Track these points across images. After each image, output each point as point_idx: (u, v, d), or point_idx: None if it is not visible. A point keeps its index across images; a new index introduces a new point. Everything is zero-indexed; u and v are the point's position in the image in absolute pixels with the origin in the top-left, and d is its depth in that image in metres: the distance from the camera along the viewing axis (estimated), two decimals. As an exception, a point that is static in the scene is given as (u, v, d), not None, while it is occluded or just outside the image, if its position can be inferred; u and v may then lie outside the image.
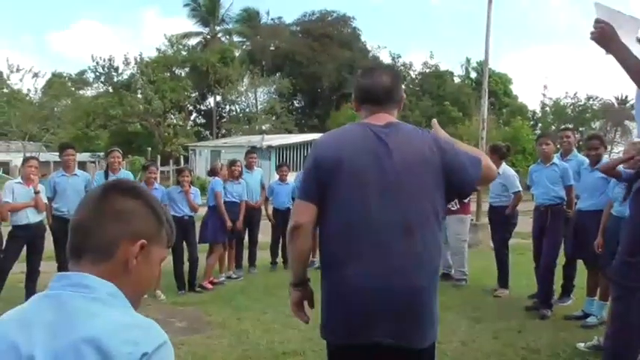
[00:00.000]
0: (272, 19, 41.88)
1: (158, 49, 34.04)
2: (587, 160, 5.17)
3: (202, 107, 38.91)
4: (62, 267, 5.04)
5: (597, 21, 2.39)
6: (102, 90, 32.29)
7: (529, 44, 71.09)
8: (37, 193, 5.35)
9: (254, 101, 35.69)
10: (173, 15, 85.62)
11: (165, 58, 32.80)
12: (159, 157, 24.78)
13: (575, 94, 33.75)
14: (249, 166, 7.59)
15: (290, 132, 31.50)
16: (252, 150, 8.67)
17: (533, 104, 52.34)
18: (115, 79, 31.41)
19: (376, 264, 1.84)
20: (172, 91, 30.08)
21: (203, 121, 38.39)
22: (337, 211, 1.90)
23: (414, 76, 38.17)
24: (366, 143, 1.91)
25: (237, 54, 36.82)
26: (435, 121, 2.21)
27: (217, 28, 39.84)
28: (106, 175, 6.04)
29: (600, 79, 69.48)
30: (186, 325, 4.92)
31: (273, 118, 34.13)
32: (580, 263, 5.41)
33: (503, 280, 6.13)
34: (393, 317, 1.84)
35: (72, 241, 1.05)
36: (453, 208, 6.46)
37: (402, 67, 36.85)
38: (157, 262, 1.11)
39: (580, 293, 5.46)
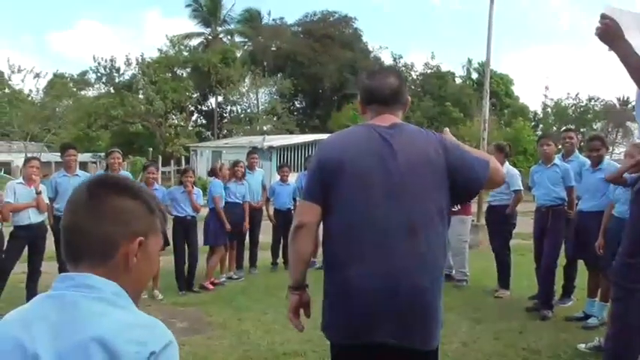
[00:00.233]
0: (273, 20, 42.00)
1: (160, 50, 34.11)
2: (588, 161, 5.16)
3: (204, 108, 38.94)
4: (63, 267, 5.02)
5: (603, 16, 2.37)
6: (103, 90, 32.37)
7: (530, 44, 71.13)
8: (38, 193, 5.36)
9: (255, 102, 35.73)
10: (174, 16, 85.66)
11: (167, 59, 32.82)
12: (160, 157, 24.79)
13: (576, 95, 33.78)
14: (251, 167, 7.60)
15: (291, 133, 31.51)
16: (254, 150, 8.68)
17: (534, 105, 52.44)
18: (117, 80, 31.48)
19: (379, 265, 1.84)
20: (174, 91, 30.10)
21: (204, 121, 38.41)
22: (340, 212, 1.91)
23: (415, 77, 38.15)
24: (370, 145, 1.92)
25: (238, 54, 36.86)
26: (447, 129, 2.21)
27: (219, 28, 39.88)
28: (107, 176, 6.02)
29: (602, 80, 69.44)
30: (187, 326, 4.92)
31: (275, 118, 34.15)
32: (581, 264, 5.41)
33: (504, 281, 6.12)
34: (396, 318, 1.84)
35: (68, 245, 1.04)
36: (454, 209, 6.44)
37: (404, 68, 36.83)
38: (156, 254, 1.11)
39: (581, 294, 5.46)
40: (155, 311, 5.02)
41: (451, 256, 6.70)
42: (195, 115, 38.71)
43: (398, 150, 1.89)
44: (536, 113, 37.46)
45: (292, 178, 8.25)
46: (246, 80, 34.65)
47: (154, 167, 6.57)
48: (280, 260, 7.63)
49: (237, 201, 6.96)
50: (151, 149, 26.68)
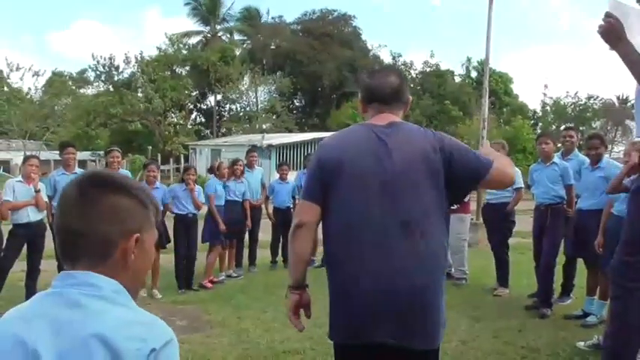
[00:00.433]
0: (272, 18, 41.97)
1: (159, 48, 34.10)
2: (587, 160, 5.16)
3: (203, 106, 38.94)
4: (63, 266, 5.04)
5: (607, 15, 2.36)
6: (102, 89, 32.35)
7: (529, 44, 71.16)
8: (37, 191, 5.36)
9: (254, 100, 35.68)
10: (173, 15, 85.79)
11: (166, 57, 32.79)
12: (159, 155, 24.77)
13: (575, 94, 33.72)
14: (250, 165, 7.59)
15: (290, 131, 31.51)
16: (253, 149, 8.67)
17: (533, 103, 52.53)
18: (116, 78, 31.49)
19: (378, 265, 1.84)
20: (173, 89, 30.09)
21: (203, 119, 38.41)
22: (338, 212, 1.92)
23: (414, 75, 38.11)
24: (368, 144, 1.92)
25: (237, 53, 36.84)
26: (486, 141, 2.21)
27: (218, 26, 39.86)
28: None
29: (601, 79, 69.42)
30: (186, 324, 4.92)
31: (274, 117, 34.13)
32: (580, 262, 5.41)
33: (503, 279, 6.13)
34: (396, 318, 1.84)
35: (64, 246, 1.03)
36: (453, 207, 6.45)
37: (403, 66, 36.79)
38: (152, 248, 1.11)
39: (580, 292, 5.47)
40: (154, 310, 5.01)
41: (450, 255, 6.70)
42: (195, 113, 38.72)
43: (393, 149, 1.88)
44: (535, 111, 37.49)
45: (291, 176, 8.25)
46: (245, 78, 34.62)
47: (154, 165, 6.52)
48: (279, 259, 7.63)
49: (237, 199, 6.96)
50: (150, 147, 26.64)
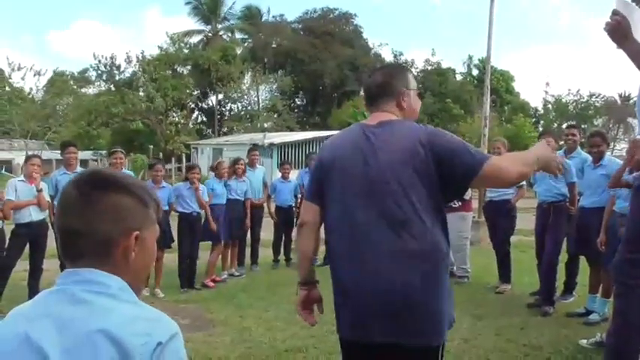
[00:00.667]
0: (273, 17, 42.03)
1: (160, 47, 34.12)
2: (590, 158, 5.16)
3: (204, 105, 38.94)
4: (65, 265, 5.05)
5: (614, 12, 2.34)
6: (104, 88, 32.42)
7: (530, 44, 71.11)
8: (39, 191, 5.36)
9: (256, 99, 35.73)
10: (174, 14, 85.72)
11: (167, 56, 32.82)
12: (161, 155, 24.79)
13: (577, 91, 33.60)
14: (252, 164, 7.59)
15: (292, 130, 31.53)
16: (255, 147, 8.67)
17: (535, 101, 52.26)
18: (117, 77, 31.51)
19: (367, 264, 1.85)
20: (174, 89, 30.11)
21: (205, 119, 38.45)
22: (332, 210, 1.98)
23: (415, 74, 37.94)
24: (356, 144, 1.96)
25: (238, 52, 36.85)
26: (551, 140, 2.22)
27: (219, 25, 39.85)
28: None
29: (603, 76, 69.15)
30: (188, 323, 4.92)
31: (275, 115, 34.16)
32: (582, 260, 5.41)
33: (505, 276, 6.13)
34: (390, 316, 1.84)
35: (65, 246, 1.03)
36: (454, 206, 6.45)
37: (404, 65, 36.76)
38: (153, 245, 1.10)
39: (582, 290, 5.46)
40: (157, 308, 5.01)
41: (452, 253, 6.70)
42: (196, 112, 38.74)
43: (377, 148, 1.90)
44: (536, 109, 37.38)
45: (293, 175, 8.25)
46: (246, 77, 34.66)
47: (160, 165, 6.51)
48: (282, 257, 7.64)
49: (239, 198, 6.96)
50: (152, 147, 26.64)
